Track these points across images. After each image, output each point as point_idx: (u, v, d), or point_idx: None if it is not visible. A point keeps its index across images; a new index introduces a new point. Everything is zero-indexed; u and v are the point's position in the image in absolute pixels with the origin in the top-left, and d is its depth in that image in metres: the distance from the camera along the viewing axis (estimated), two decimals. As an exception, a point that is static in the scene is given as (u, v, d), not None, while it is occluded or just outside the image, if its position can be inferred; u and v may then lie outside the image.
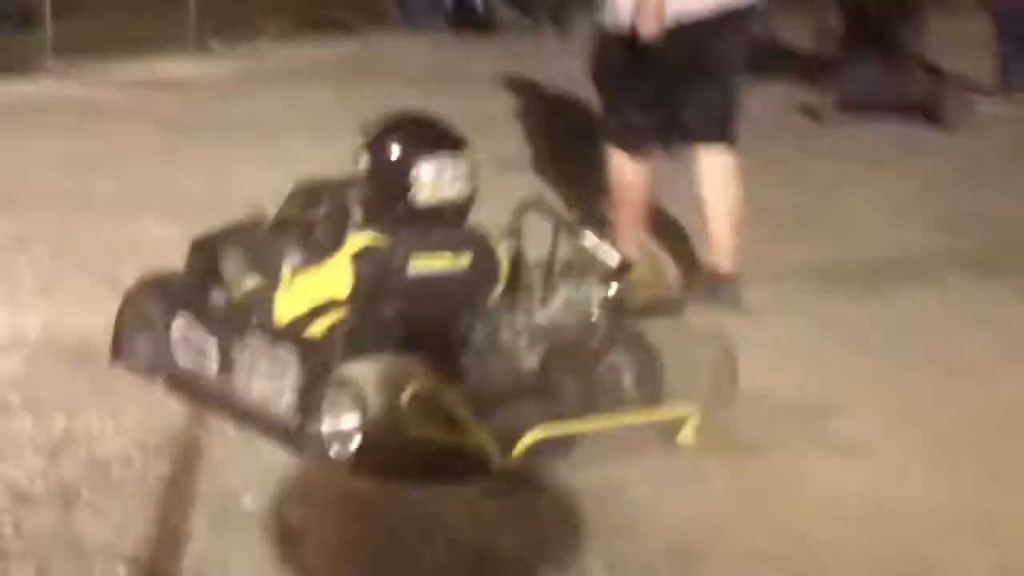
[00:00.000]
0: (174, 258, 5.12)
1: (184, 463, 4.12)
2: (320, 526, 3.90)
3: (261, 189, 5.80)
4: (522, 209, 4.73)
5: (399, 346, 4.14)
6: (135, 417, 4.51)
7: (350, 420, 3.95)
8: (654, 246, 5.94)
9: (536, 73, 11.97)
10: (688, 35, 5.52)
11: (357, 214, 4.52)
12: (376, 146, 4.49)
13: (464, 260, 4.43)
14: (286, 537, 3.69)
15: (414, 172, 4.33)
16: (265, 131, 10.22)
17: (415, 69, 14.35)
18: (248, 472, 4.07)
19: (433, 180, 4.34)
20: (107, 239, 6.84)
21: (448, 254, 4.40)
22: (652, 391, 4.31)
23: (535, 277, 4.56)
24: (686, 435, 4.26)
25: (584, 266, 4.46)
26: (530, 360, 4.37)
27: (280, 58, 15.60)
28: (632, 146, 5.77)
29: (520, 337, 4.40)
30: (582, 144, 7.33)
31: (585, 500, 4.00)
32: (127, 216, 7.33)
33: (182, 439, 4.33)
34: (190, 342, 4.62)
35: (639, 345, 4.37)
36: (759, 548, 3.77)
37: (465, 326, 4.43)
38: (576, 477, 4.13)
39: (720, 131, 5.79)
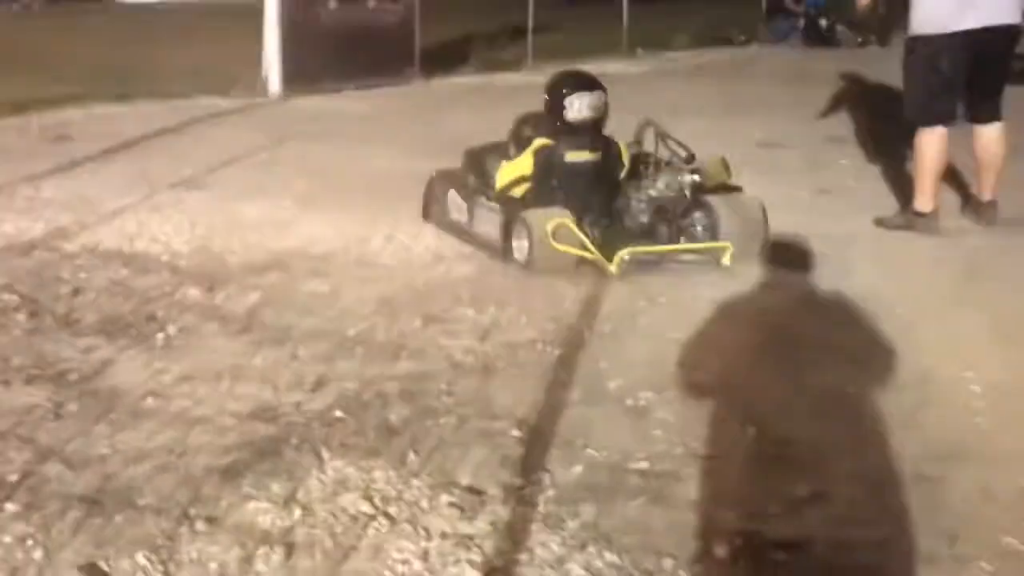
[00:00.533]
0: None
1: (570, 349, 3.74)
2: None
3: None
4: (642, 126, 5.33)
5: (562, 204, 4.83)
6: (541, 311, 4.12)
7: (523, 240, 4.72)
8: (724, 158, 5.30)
9: (863, 73, 11.14)
10: (973, 40, 5.19)
11: (539, 130, 5.10)
12: (548, 89, 5.11)
13: (598, 154, 5.03)
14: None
15: (567, 101, 4.95)
16: (664, 112, 9.67)
17: (775, 70, 13.77)
18: (614, 361, 3.62)
19: (577, 106, 4.95)
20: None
21: (588, 151, 5.00)
22: (712, 235, 4.88)
23: (649, 167, 5.13)
24: (725, 260, 4.78)
25: (675, 162, 5.09)
26: (643, 216, 5.02)
27: (683, 61, 15.38)
28: (932, 122, 5.32)
29: (638, 202, 5.03)
30: (891, 123, 6.55)
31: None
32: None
33: (570, 331, 3.91)
34: (455, 204, 5.37)
35: (706, 209, 4.94)
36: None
37: (603, 194, 5.05)
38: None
39: (995, 112, 5.46)
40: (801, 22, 17.09)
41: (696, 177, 4.98)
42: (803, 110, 9.29)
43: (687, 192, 4.96)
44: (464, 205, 5.26)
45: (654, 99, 10.84)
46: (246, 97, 10.35)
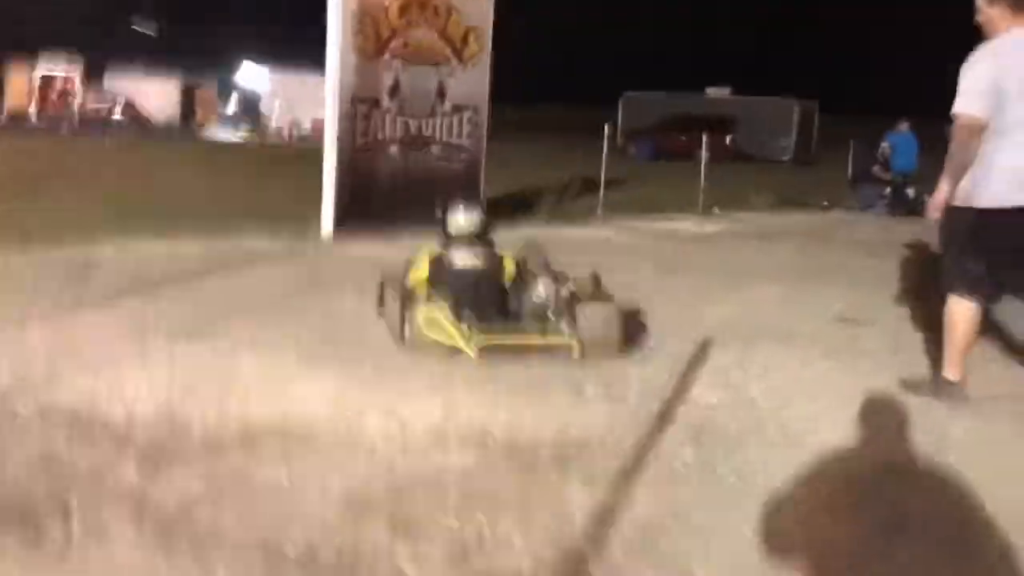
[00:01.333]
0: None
1: None
2: None
3: (722, 316, 6.56)
4: (525, 247, 6.35)
5: (450, 300, 5.63)
6: (542, 526, 3.29)
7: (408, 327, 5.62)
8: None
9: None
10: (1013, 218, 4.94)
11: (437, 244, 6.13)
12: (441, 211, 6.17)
13: (481, 262, 5.95)
14: None
15: (448, 218, 6.10)
16: (734, 275, 9.01)
17: (857, 238, 12.90)
18: None
19: (457, 221, 6.08)
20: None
21: (473, 258, 5.93)
22: (572, 332, 5.60)
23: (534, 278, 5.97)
24: (575, 354, 5.50)
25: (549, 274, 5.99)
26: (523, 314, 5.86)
27: (760, 223, 14.64)
28: (968, 294, 5.09)
29: (518, 303, 5.93)
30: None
31: None
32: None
33: (573, 561, 3.09)
34: (389, 298, 6.09)
35: (569, 310, 5.70)
36: None
37: (484, 293, 5.87)
38: None
39: None
40: (888, 190, 16.38)
41: (571, 287, 5.86)
42: (885, 283, 8.48)
43: (554, 300, 5.79)
44: (391, 300, 6.02)
45: (725, 259, 10.23)
46: (295, 240, 9.93)
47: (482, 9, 11.66)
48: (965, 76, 4.92)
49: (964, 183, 4.95)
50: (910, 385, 5.22)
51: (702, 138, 17.51)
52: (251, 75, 40.26)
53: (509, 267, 6.03)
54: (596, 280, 6.03)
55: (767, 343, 6.14)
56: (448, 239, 6.03)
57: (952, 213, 5.04)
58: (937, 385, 5.17)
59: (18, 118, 32.40)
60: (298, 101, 37.58)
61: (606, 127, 14.95)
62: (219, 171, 18.88)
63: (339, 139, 10.17)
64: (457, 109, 11.45)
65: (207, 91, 37.34)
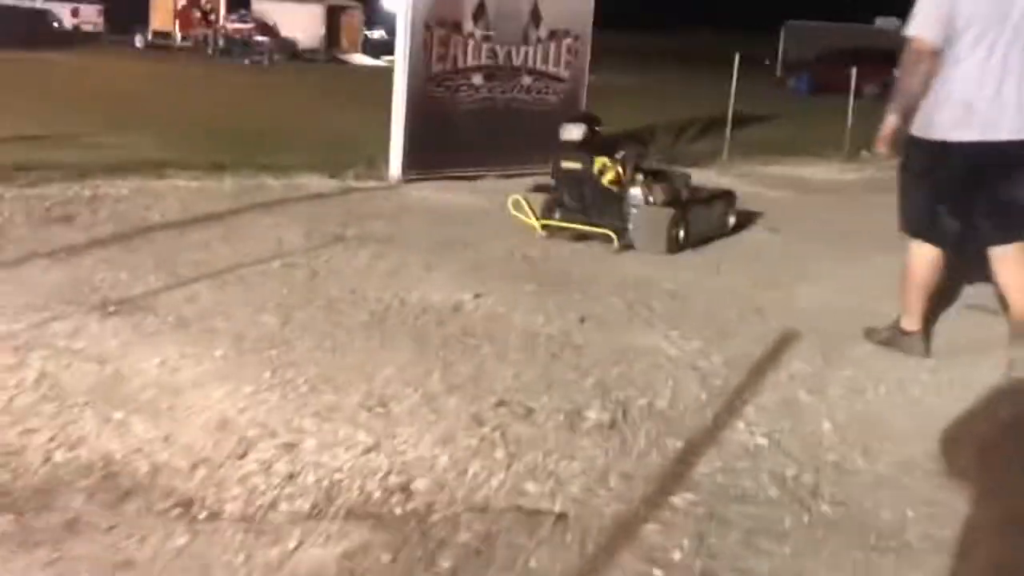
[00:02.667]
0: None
1: None
2: None
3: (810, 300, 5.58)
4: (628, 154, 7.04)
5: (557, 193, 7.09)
6: None
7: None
8: None
9: None
10: (978, 154, 4.42)
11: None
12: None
13: (579, 164, 6.84)
14: None
15: (560, 131, 7.10)
16: (852, 236, 7.51)
17: None
18: None
19: (564, 133, 7.07)
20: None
21: (572, 162, 6.88)
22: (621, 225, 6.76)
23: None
24: (614, 245, 6.59)
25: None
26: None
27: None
28: (926, 236, 4.64)
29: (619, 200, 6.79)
30: None
31: None
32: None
33: None
34: None
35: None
36: None
37: (580, 189, 6.90)
38: None
39: (1013, 235, 4.58)
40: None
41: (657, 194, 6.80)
42: None
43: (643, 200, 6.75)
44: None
45: (850, 217, 8.65)
46: (361, 180, 8.87)
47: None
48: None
49: (922, 111, 4.49)
50: (871, 333, 4.86)
51: (855, 72, 15.58)
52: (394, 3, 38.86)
53: (605, 171, 6.77)
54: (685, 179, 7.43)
55: (855, 344, 4.74)
56: (560, 146, 7.03)
57: (908, 145, 4.59)
58: (894, 333, 4.77)
59: (163, 38, 32.37)
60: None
61: (737, 56, 13.27)
62: (333, 99, 18.01)
63: (412, 67, 8.98)
64: (554, 35, 10.10)
65: (352, 16, 36.63)
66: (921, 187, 4.59)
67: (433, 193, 8.45)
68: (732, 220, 7.63)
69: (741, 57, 13.28)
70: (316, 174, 8.81)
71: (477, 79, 9.55)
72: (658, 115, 15.24)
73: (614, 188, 6.78)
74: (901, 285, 4.75)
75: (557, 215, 6.97)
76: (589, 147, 6.92)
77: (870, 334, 4.84)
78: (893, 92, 4.62)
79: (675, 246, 6.65)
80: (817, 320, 5.14)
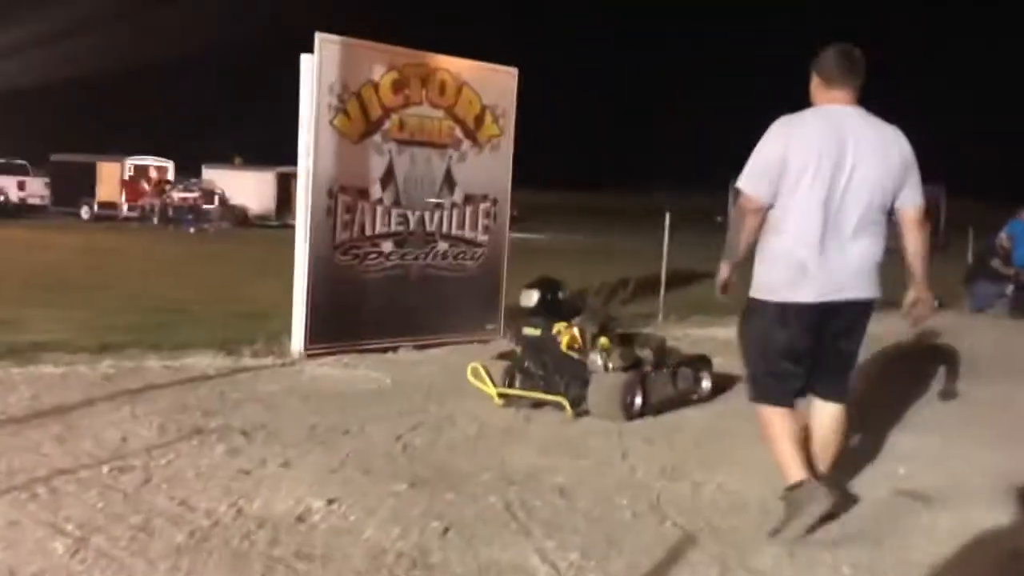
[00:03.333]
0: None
1: None
2: None
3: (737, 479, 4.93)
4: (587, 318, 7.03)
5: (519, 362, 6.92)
6: None
7: None
8: None
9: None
10: (814, 313, 4.29)
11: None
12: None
13: (539, 330, 6.79)
14: None
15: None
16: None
17: (975, 351, 10.27)
18: None
19: (522, 299, 6.98)
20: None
21: (531, 328, 6.83)
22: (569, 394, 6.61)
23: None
24: (568, 413, 6.42)
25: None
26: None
27: None
28: (775, 399, 4.40)
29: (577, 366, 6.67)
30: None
31: None
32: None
33: None
34: None
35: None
36: None
37: (537, 356, 6.79)
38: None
39: (837, 392, 4.54)
40: (1010, 288, 13.86)
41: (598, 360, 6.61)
42: (1001, 435, 6.35)
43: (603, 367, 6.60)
44: None
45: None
46: (259, 357, 8.23)
47: (503, 85, 9.92)
48: (756, 149, 4.34)
49: (757, 272, 4.41)
50: (776, 532, 4.24)
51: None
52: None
53: (564, 336, 6.72)
54: (660, 345, 7.24)
55: (758, 550, 4.06)
56: (521, 312, 7.06)
57: (749, 307, 4.49)
58: (787, 499, 4.27)
59: (110, 208, 32.07)
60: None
61: (668, 214, 12.93)
62: (268, 267, 17.50)
63: (315, 236, 8.46)
64: (470, 199, 9.68)
65: (304, 180, 36.62)
66: (766, 350, 4.40)
67: (334, 370, 7.81)
68: (707, 385, 7.29)
69: (694, 214, 12.98)
70: (211, 351, 8.17)
71: (387, 246, 9.03)
72: (598, 275, 14.81)
73: (575, 354, 6.69)
74: (770, 447, 4.45)
75: (518, 383, 6.77)
76: (550, 312, 6.87)
77: (775, 532, 4.25)
78: (726, 243, 4.50)
79: (630, 413, 6.44)
80: (722, 518, 4.48)
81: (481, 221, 9.79)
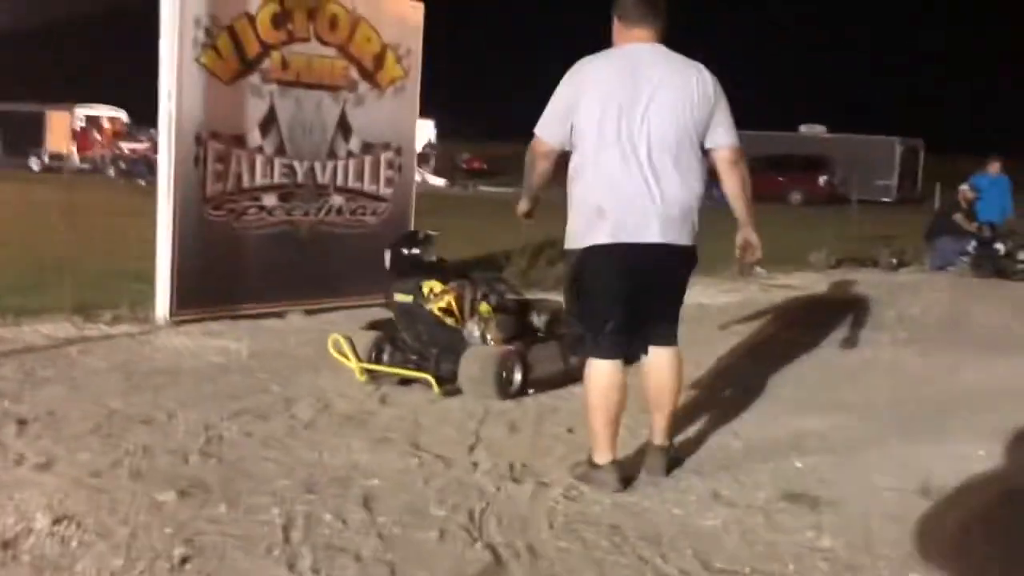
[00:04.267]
0: None
1: None
2: None
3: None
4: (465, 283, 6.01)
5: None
6: None
7: None
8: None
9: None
10: (631, 258, 4.08)
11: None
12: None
13: (410, 296, 5.88)
14: None
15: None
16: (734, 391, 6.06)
17: (912, 312, 9.34)
18: None
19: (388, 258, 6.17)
20: None
21: (405, 293, 5.90)
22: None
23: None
24: (435, 389, 5.53)
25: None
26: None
27: (792, 290, 11.17)
28: (600, 351, 4.15)
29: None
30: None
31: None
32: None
33: None
34: None
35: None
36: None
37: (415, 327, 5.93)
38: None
39: (662, 337, 4.30)
40: (972, 244, 12.99)
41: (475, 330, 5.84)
42: (929, 417, 5.51)
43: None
44: None
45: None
46: (116, 324, 7.32)
47: (407, 22, 8.93)
48: (553, 94, 4.22)
49: (568, 226, 4.25)
50: (574, 467, 4.30)
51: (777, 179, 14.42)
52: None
53: (437, 302, 5.85)
54: (555, 313, 6.26)
55: None
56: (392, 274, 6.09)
57: (564, 260, 4.40)
58: (586, 468, 4.23)
59: (60, 159, 30.92)
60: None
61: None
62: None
63: (181, 188, 7.51)
64: (369, 148, 8.72)
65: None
66: (590, 298, 4.20)
67: (192, 340, 6.89)
68: None
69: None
70: (64, 316, 7.26)
71: (269, 200, 8.08)
72: (535, 235, 13.87)
73: (452, 324, 5.90)
74: (586, 413, 4.25)
75: (386, 356, 5.92)
76: (422, 272, 6.01)
77: (573, 468, 4.29)
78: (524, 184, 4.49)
79: (507, 391, 5.62)
80: (556, 535, 3.60)
81: (383, 172, 8.85)
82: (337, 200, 8.53)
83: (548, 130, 4.21)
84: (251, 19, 7.79)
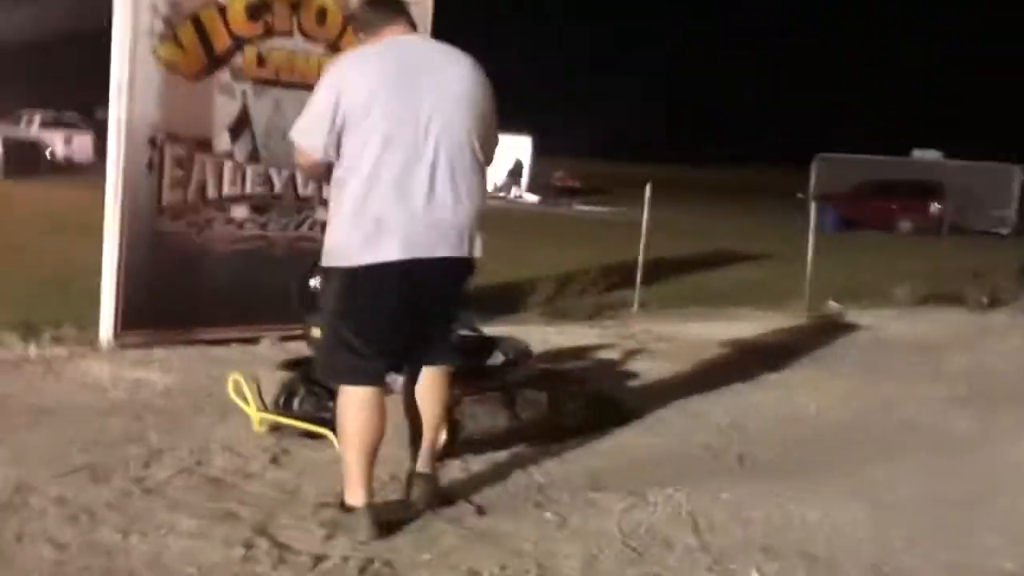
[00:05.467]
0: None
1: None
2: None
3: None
4: None
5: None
6: None
7: None
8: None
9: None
10: (407, 274, 3.63)
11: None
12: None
13: None
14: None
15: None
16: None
17: (987, 366, 7.99)
18: None
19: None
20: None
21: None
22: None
23: None
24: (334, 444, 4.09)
25: None
26: None
27: (878, 329, 9.85)
28: (357, 378, 3.67)
29: None
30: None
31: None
32: None
33: None
34: None
35: None
36: None
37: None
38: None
39: (438, 356, 3.93)
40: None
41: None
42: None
43: None
44: None
45: (738, 404, 6.02)
46: (59, 344, 6.52)
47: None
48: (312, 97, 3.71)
49: (329, 240, 3.76)
50: (319, 509, 3.74)
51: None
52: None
53: None
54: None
55: None
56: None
57: (331, 276, 3.77)
58: (336, 513, 3.62)
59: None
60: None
61: (648, 185, 10.81)
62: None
63: (131, 196, 6.66)
64: (362, 157, 7.74)
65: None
66: (357, 320, 3.66)
67: (117, 369, 6.00)
68: (579, 414, 5.31)
69: (775, 190, 11.07)
70: (10, 335, 6.51)
71: (239, 212, 7.17)
72: (625, 252, 12.81)
73: None
74: (341, 448, 3.76)
75: (296, 403, 4.82)
76: None
77: (318, 510, 3.75)
78: None
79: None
80: None
81: (379, 185, 7.86)
82: (322, 215, 7.56)
83: (310, 139, 3.69)
84: (221, 9, 6.91)
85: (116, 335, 6.63)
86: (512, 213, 28.86)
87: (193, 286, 6.93)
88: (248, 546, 3.44)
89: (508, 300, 9.29)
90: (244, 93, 7.08)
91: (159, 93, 6.69)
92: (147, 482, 4.01)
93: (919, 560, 3.81)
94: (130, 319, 6.69)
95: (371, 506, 3.62)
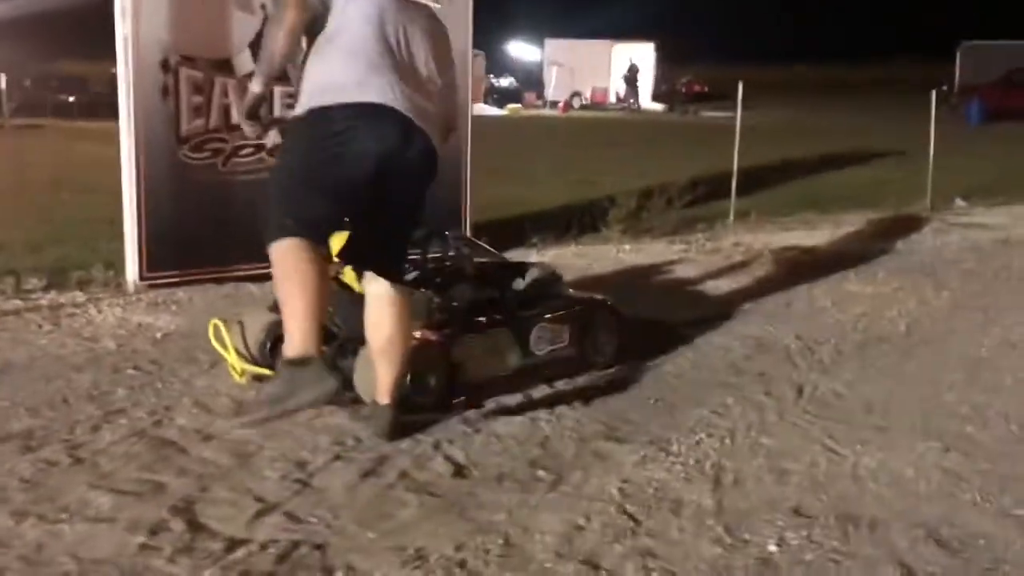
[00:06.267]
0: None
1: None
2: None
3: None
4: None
5: None
6: None
7: None
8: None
9: None
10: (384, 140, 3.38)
11: None
12: None
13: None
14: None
15: None
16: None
17: None
18: None
19: None
20: None
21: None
22: None
23: None
24: None
25: None
26: None
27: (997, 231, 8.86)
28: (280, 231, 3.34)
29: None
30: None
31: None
32: None
33: None
34: None
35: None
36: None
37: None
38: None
39: (382, 263, 3.60)
40: None
41: None
42: None
43: None
44: None
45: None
46: (88, 288, 6.16)
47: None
48: None
49: (308, 82, 3.54)
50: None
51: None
52: (522, 49, 38.26)
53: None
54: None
55: None
56: None
57: (287, 129, 3.76)
58: (286, 375, 3.27)
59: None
60: (577, 70, 34.31)
61: (740, 84, 9.85)
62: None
63: (146, 126, 6.18)
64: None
65: (475, 63, 34.51)
66: (297, 167, 3.44)
67: (126, 313, 5.58)
68: (609, 348, 4.63)
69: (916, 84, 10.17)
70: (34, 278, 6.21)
71: (267, 137, 6.62)
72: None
73: None
74: (280, 299, 3.34)
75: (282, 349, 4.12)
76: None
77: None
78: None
79: (419, 401, 4.00)
80: None
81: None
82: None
83: None
84: (233, -86, 6.30)
85: (142, 276, 6.21)
86: (630, 123, 27.81)
87: (222, 219, 6.44)
88: (153, 532, 2.90)
89: (591, 218, 8.58)
90: (264, 6, 6.47)
91: (167, 12, 6.14)
92: (83, 450, 3.51)
93: (988, 521, 3.03)
94: (156, 259, 6.26)
95: (318, 356, 3.29)
